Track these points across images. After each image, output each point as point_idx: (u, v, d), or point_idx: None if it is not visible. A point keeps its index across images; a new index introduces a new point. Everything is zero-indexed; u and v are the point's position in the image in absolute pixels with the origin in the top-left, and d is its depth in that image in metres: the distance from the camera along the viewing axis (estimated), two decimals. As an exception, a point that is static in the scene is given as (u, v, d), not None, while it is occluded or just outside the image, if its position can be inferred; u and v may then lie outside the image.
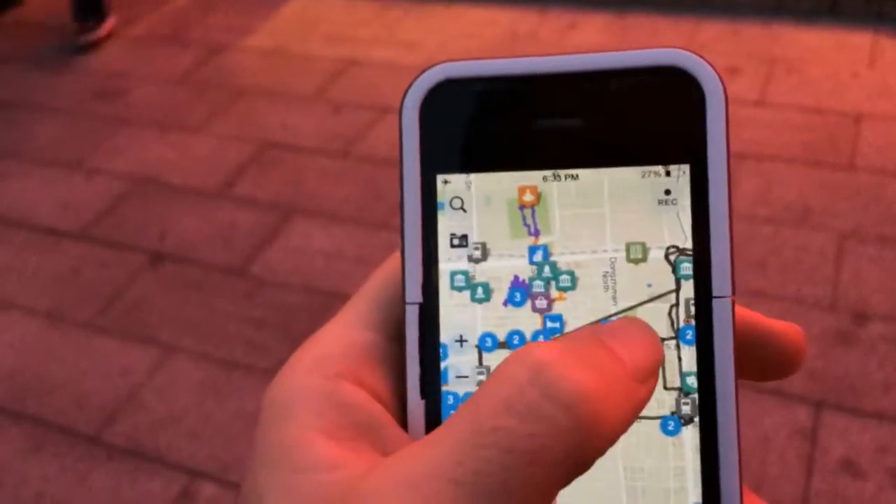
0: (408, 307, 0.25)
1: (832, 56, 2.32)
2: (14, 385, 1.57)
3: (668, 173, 0.25)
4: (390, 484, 0.20)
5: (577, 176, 0.25)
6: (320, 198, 1.97)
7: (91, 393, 1.54)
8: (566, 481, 0.20)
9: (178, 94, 2.42)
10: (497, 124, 0.25)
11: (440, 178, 0.26)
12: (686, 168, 0.25)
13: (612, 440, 0.21)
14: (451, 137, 0.26)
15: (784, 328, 0.26)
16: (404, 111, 0.25)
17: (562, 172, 0.25)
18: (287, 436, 0.22)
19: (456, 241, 0.26)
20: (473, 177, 0.26)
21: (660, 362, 0.22)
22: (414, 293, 0.25)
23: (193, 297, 1.74)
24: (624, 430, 0.21)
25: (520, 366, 0.20)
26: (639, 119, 0.25)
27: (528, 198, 0.25)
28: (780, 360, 0.26)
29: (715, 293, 0.24)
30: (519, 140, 0.25)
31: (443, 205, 0.26)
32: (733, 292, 0.24)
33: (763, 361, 0.26)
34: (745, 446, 1.35)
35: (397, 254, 0.26)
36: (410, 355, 0.25)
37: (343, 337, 0.25)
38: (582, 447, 0.20)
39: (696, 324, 0.24)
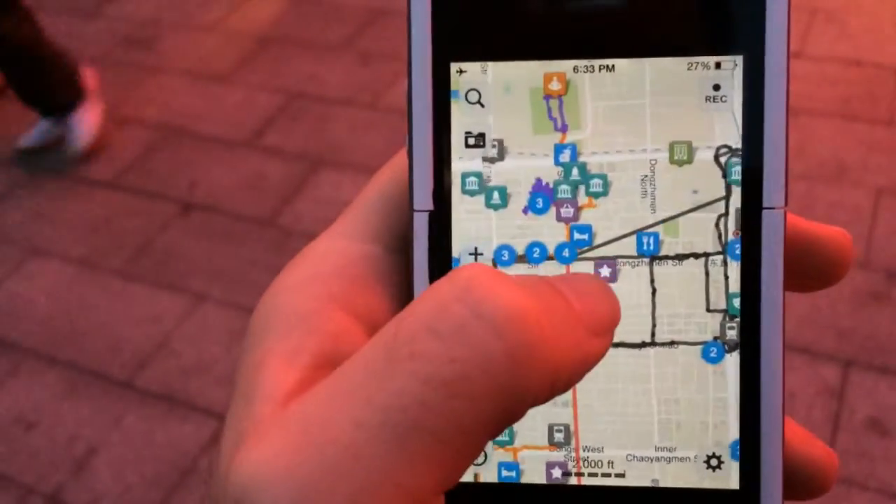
0: (416, 215, 0.22)
1: (874, 6, 2.25)
2: (49, 330, 1.61)
3: (718, 66, 0.21)
4: (288, 433, 0.17)
5: (614, 67, 0.21)
6: (348, 149, 1.97)
7: (123, 339, 1.57)
8: (494, 428, 0.17)
9: (207, 42, 2.42)
10: (521, 4, 0.22)
11: (454, 66, 0.22)
12: (739, 60, 0.21)
13: (549, 386, 0.17)
14: (467, 20, 0.22)
15: (831, 233, 0.23)
16: None
17: (595, 62, 0.21)
18: (250, 362, 0.20)
19: (472, 140, 0.22)
20: (492, 66, 0.22)
21: (616, 320, 0.19)
22: (423, 199, 0.22)
23: (222, 247, 1.75)
24: (568, 382, 0.18)
25: (449, 282, 0.17)
26: (686, 2, 0.21)
27: (555, 86, 0.22)
28: (824, 270, 0.23)
29: (766, 204, 0.21)
30: (546, 24, 0.21)
31: (457, 95, 0.22)
32: (786, 203, 0.21)
33: (806, 270, 0.23)
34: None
35: (403, 154, 0.23)
36: (419, 270, 0.22)
37: (337, 251, 0.22)
38: (513, 382, 0.16)
39: (742, 237, 0.21)
